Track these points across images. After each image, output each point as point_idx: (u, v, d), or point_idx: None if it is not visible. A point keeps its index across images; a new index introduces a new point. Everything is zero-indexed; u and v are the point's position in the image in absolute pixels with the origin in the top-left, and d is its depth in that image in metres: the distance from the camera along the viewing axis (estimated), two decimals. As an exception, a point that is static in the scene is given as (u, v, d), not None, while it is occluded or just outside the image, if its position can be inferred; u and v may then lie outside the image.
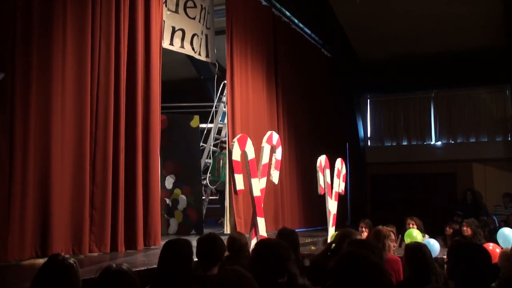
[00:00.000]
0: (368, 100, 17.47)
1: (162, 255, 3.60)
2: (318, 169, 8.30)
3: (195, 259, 3.87)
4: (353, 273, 2.44)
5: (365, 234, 7.69)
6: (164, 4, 8.19)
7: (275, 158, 7.19)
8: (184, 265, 3.51)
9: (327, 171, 8.48)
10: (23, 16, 5.57)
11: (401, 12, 13.66)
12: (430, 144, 16.60)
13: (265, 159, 6.97)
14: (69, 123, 6.08)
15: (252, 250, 3.58)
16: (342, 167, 9.05)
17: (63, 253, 3.12)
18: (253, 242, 6.33)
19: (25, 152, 5.46)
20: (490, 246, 6.59)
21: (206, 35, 9.52)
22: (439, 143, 16.52)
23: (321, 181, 8.31)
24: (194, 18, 9.12)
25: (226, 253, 4.73)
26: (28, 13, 5.63)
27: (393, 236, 5.85)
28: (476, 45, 14.56)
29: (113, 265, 2.85)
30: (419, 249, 4.56)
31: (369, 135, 17.46)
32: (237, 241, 4.81)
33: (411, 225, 8.15)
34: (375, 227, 5.94)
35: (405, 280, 4.72)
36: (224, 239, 5.11)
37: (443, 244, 7.98)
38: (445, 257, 4.56)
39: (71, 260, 2.91)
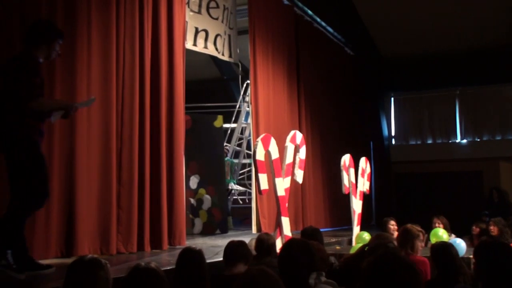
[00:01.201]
0: (392, 98, 17.35)
1: (177, 263, 3.83)
2: (342, 168, 8.28)
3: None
4: (386, 274, 2.42)
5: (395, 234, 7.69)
6: (187, 5, 8.23)
7: (299, 158, 7.18)
8: (197, 271, 3.72)
9: (352, 170, 8.45)
10: (48, 17, 5.65)
11: (424, 9, 13.54)
12: (455, 142, 16.42)
13: (289, 159, 6.97)
14: (94, 123, 6.15)
15: (279, 250, 3.61)
16: (366, 166, 9.01)
17: (90, 253, 3.16)
18: (278, 241, 6.34)
19: (50, 152, 5.51)
20: (518, 245, 6.51)
21: (229, 35, 9.54)
22: (464, 141, 16.33)
23: (345, 181, 8.28)
24: (217, 19, 9.15)
25: (254, 253, 4.78)
26: (52, 14, 5.71)
27: (422, 237, 5.79)
28: (501, 42, 14.38)
29: (142, 263, 2.88)
30: (445, 248, 4.51)
31: (393, 134, 17.33)
32: (265, 242, 4.87)
33: (437, 224, 8.09)
34: (403, 225, 5.87)
35: (432, 281, 4.68)
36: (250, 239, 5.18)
37: (469, 244, 7.89)
38: (471, 256, 4.52)
39: (102, 260, 2.93)
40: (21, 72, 4.28)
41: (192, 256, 3.82)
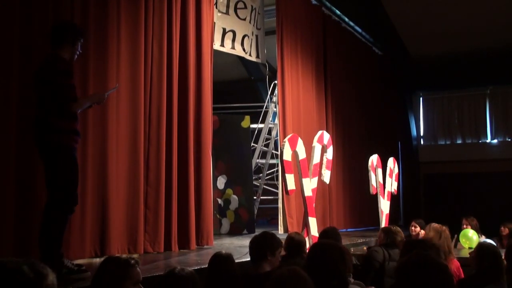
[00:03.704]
0: (421, 98, 17.13)
1: (209, 269, 3.87)
2: (370, 168, 8.24)
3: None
4: (418, 275, 2.40)
5: (419, 233, 7.65)
6: (215, 6, 8.26)
7: (326, 158, 7.17)
8: (228, 276, 3.77)
9: (379, 171, 8.40)
10: (81, 17, 5.72)
11: (453, 7, 13.36)
12: (485, 142, 16.14)
13: (316, 159, 6.96)
14: (123, 124, 6.21)
15: (308, 251, 3.61)
16: (394, 167, 8.96)
17: (119, 253, 3.18)
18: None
19: (84, 154, 5.58)
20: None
21: (257, 36, 9.55)
22: (495, 141, 16.05)
23: (373, 181, 8.24)
24: (244, 19, 9.16)
25: (283, 253, 4.77)
26: (85, 17, 5.78)
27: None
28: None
29: (176, 269, 2.86)
30: (493, 250, 4.38)
31: (422, 134, 17.13)
32: (295, 241, 4.84)
33: (464, 226, 8.04)
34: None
35: (465, 280, 4.62)
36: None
37: (499, 245, 7.80)
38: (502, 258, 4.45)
39: (131, 259, 2.95)
40: (57, 75, 4.30)
41: (223, 262, 3.83)
